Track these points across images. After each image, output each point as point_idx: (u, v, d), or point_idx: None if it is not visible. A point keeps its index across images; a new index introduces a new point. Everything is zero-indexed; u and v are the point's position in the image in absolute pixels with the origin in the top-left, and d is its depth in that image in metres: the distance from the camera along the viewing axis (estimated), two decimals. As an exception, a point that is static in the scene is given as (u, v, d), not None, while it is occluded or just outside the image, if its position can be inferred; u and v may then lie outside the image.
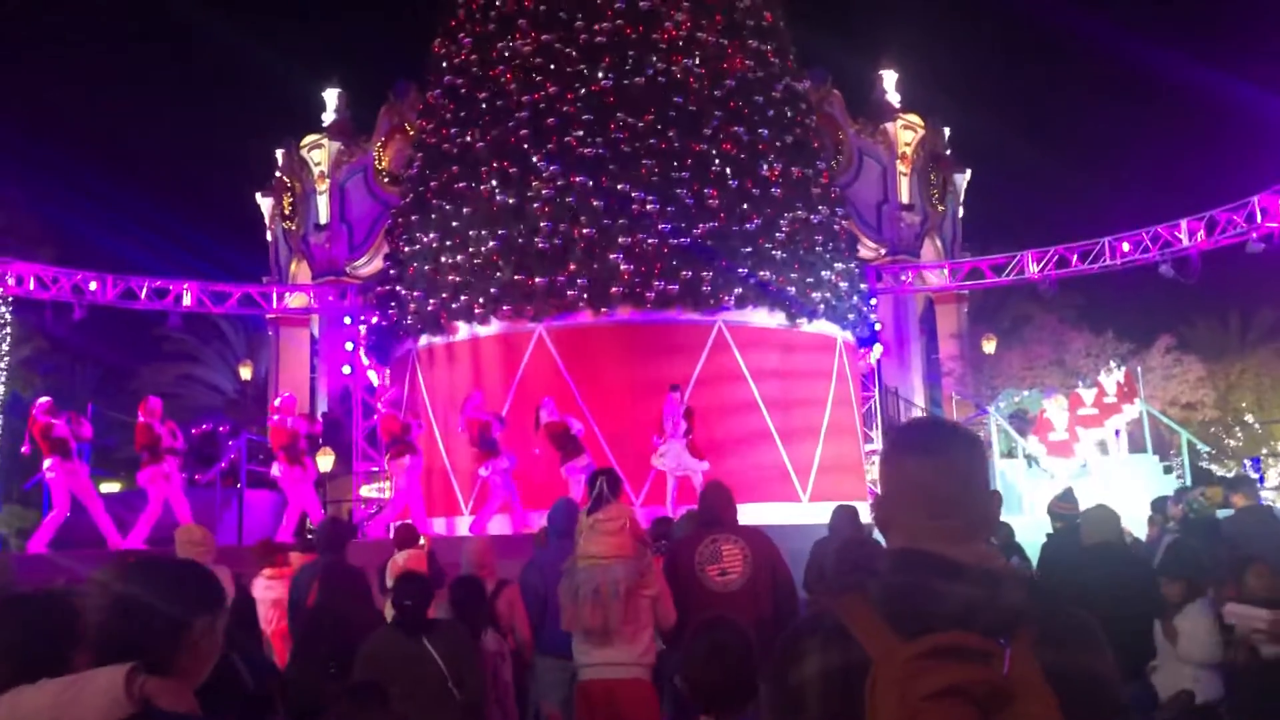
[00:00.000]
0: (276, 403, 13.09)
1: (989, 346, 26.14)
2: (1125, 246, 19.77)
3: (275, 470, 13.00)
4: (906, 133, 26.06)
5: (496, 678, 5.41)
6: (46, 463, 11.97)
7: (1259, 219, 17.98)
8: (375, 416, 13.27)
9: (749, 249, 13.79)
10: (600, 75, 14.17)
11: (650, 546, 5.73)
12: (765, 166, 14.39)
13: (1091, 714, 1.59)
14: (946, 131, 27.56)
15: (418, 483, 13.20)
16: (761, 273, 13.80)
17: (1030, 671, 1.53)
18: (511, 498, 12.63)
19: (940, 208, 26.83)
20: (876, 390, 20.99)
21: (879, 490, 1.82)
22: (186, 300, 21.23)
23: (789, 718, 1.69)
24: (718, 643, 3.08)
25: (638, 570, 5.22)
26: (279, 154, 26.47)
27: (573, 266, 13.44)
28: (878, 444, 18.07)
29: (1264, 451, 31.57)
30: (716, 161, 13.97)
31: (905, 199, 25.68)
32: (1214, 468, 28.32)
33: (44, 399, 12.64)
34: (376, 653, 4.64)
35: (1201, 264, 18.98)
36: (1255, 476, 26.76)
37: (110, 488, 28.22)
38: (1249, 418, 31.76)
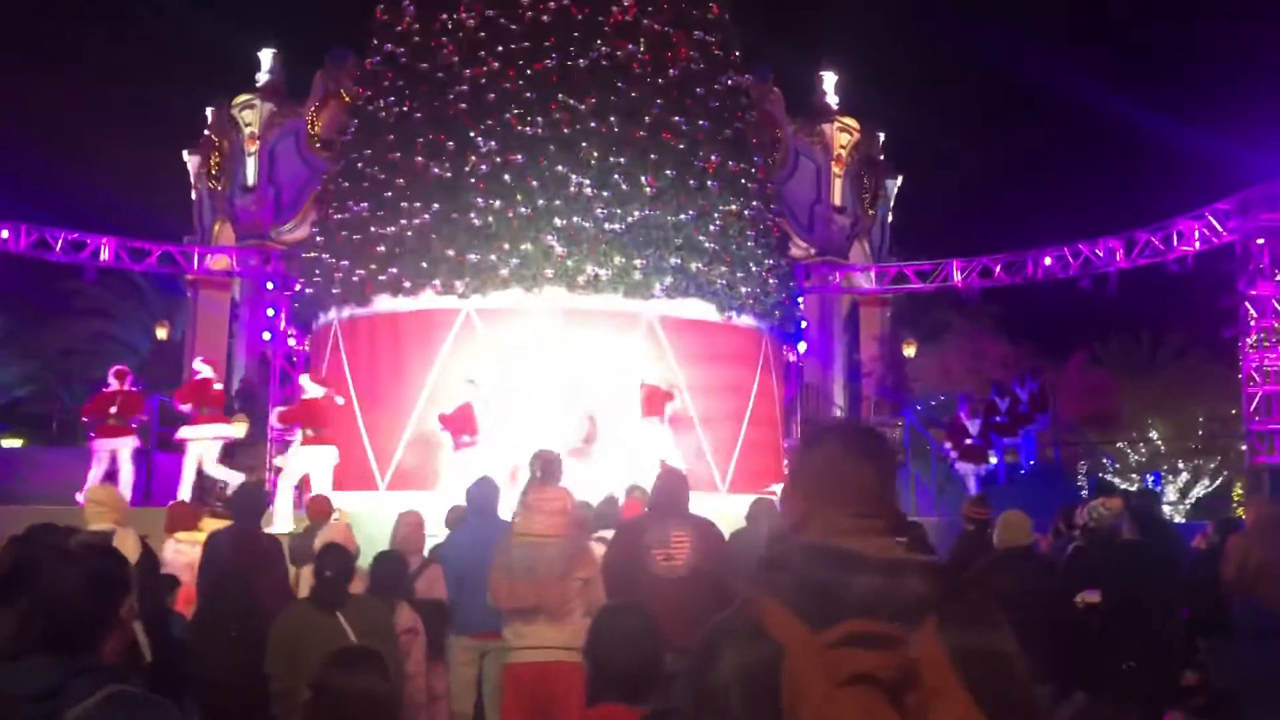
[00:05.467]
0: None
1: (909, 351, 26.61)
2: (1047, 260, 20.28)
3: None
4: (843, 135, 26.30)
5: (409, 655, 5.35)
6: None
7: (1175, 242, 18.57)
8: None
9: (681, 239, 13.83)
10: (544, 55, 14.06)
11: (587, 529, 5.73)
12: (702, 158, 14.43)
13: (1000, 689, 1.68)
14: (881, 137, 27.90)
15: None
16: (693, 264, 13.85)
17: (935, 654, 1.63)
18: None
19: (871, 212, 27.14)
20: (800, 387, 21.22)
21: (796, 485, 1.88)
22: (104, 255, 20.63)
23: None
24: (623, 626, 3.07)
25: (573, 552, 5.21)
26: (209, 111, 25.84)
27: (505, 245, 13.35)
28: (798, 439, 18.27)
29: (1164, 468, 32.61)
30: (655, 149, 13.97)
31: (838, 201, 25.93)
32: (1117, 480, 29.13)
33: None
34: (290, 626, 4.57)
35: (1119, 283, 19.57)
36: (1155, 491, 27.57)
37: (12, 443, 27.40)
38: (1153, 434, 32.76)
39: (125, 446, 13.79)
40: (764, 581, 1.75)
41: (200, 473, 13.39)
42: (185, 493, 12.72)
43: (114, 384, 13.93)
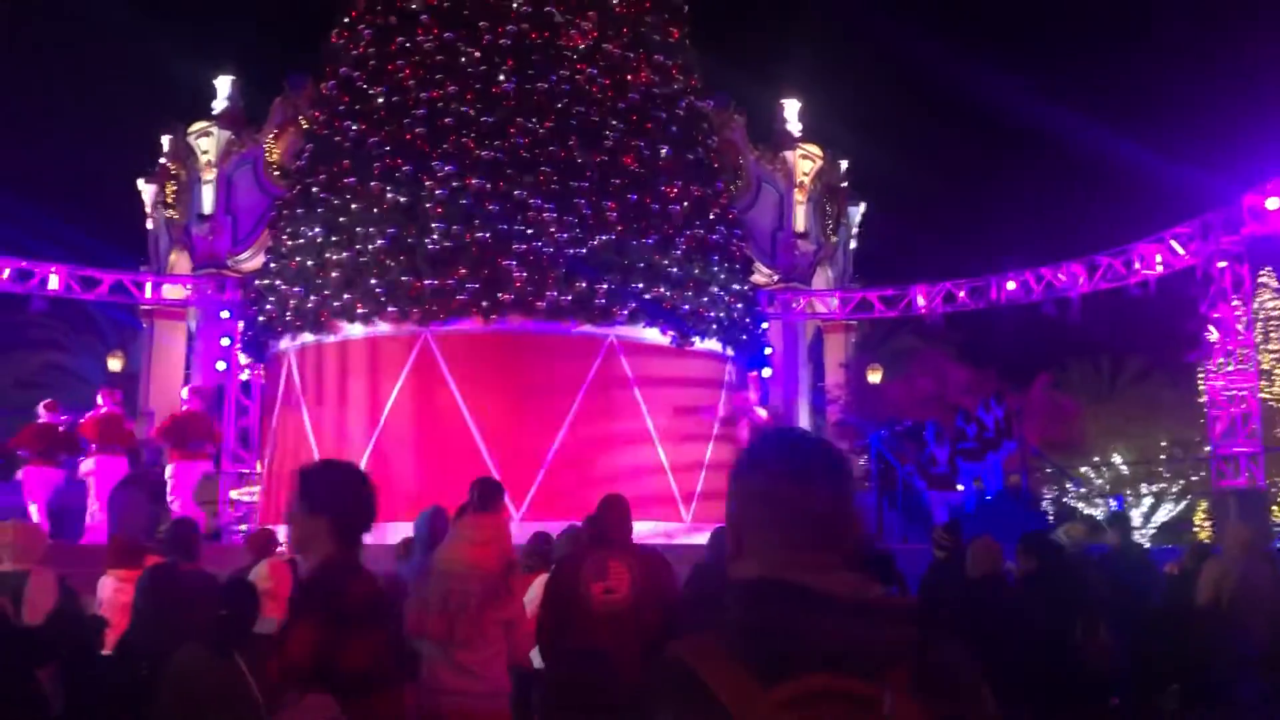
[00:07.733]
0: None
1: (874, 377, 26.56)
2: (1010, 285, 20.31)
3: None
4: (805, 162, 26.33)
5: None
6: None
7: (1136, 265, 18.60)
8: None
9: (645, 264, 13.61)
10: (502, 78, 13.84)
11: (519, 567, 5.35)
12: (665, 183, 14.24)
13: None
14: (844, 164, 27.95)
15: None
16: (656, 289, 13.63)
17: (912, 715, 1.33)
18: None
19: (833, 238, 27.16)
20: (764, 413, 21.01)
21: (733, 510, 1.58)
22: (53, 284, 20.13)
23: None
24: (578, 676, 2.75)
25: (493, 588, 4.74)
26: (165, 139, 25.45)
27: (464, 270, 13.06)
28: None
29: (1127, 492, 32.76)
30: (617, 174, 13.77)
31: (800, 227, 25.93)
32: (1081, 505, 29.16)
33: None
34: (184, 672, 4.01)
35: (1080, 307, 19.61)
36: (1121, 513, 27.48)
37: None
38: (1116, 458, 32.92)
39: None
40: (700, 624, 1.45)
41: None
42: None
43: (102, 403, 14.09)
